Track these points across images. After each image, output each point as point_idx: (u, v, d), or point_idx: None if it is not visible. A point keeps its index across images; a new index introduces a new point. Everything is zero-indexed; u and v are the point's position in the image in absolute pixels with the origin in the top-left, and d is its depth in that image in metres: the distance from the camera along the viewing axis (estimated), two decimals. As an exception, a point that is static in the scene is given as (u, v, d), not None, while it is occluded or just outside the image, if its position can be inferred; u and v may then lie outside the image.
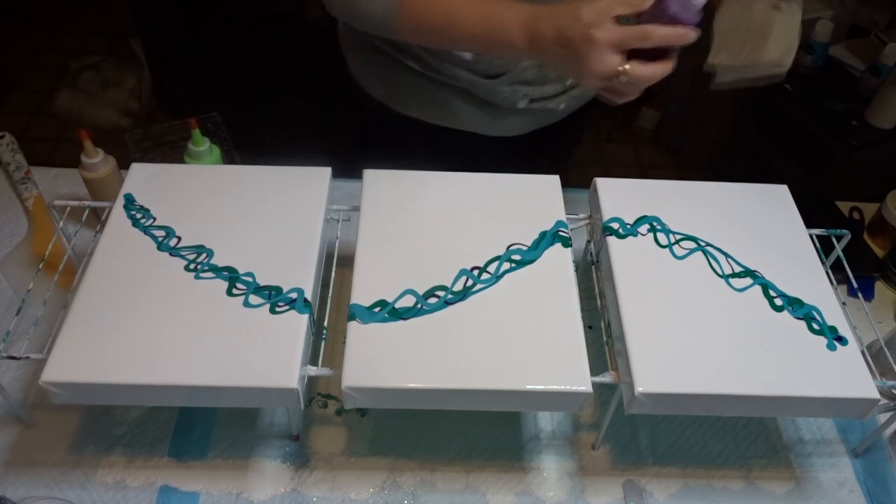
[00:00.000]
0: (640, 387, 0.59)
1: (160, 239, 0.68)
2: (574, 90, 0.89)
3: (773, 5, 0.78)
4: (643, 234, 0.71)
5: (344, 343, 0.61)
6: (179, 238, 0.68)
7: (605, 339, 0.68)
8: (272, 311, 0.62)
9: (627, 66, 0.62)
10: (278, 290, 0.64)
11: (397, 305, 0.63)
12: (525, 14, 0.66)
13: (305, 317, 0.62)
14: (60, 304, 0.67)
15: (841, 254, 0.75)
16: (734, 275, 0.68)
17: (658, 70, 0.63)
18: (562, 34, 0.63)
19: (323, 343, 0.65)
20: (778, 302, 0.66)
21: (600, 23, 0.61)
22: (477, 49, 0.72)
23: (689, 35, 0.62)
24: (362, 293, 0.64)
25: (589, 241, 0.79)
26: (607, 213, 0.73)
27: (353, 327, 0.62)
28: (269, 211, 0.71)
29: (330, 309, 0.69)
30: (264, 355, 0.59)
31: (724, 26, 0.67)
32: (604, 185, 0.76)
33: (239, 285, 0.64)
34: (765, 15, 0.69)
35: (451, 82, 0.86)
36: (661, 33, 0.61)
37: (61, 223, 0.75)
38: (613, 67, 0.62)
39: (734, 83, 0.68)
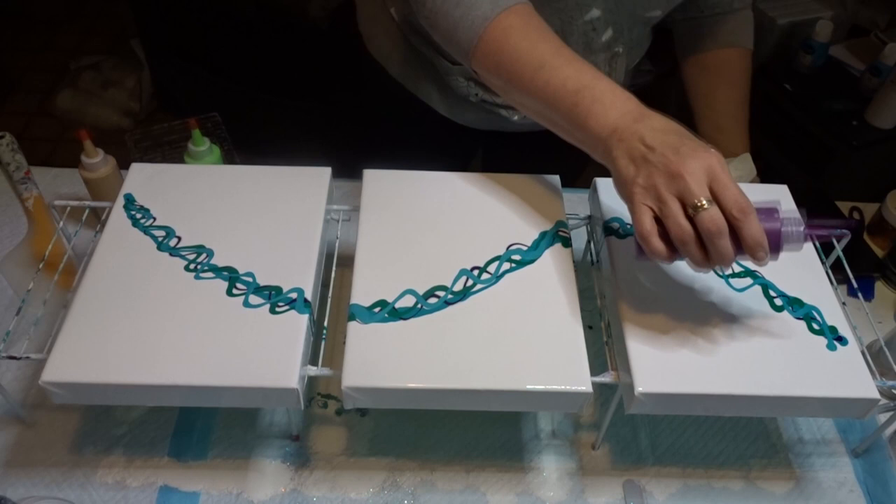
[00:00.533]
0: (640, 387, 0.59)
1: (160, 239, 0.68)
2: None
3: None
4: (643, 234, 0.71)
5: (344, 343, 0.61)
6: (179, 238, 0.68)
7: (605, 339, 0.68)
8: (272, 311, 0.62)
9: (707, 204, 0.53)
10: (278, 290, 0.64)
11: (397, 305, 0.63)
12: (632, 100, 0.60)
13: (305, 317, 0.62)
14: (60, 304, 0.67)
15: (841, 254, 0.75)
16: (734, 275, 0.68)
17: (728, 247, 0.54)
18: (678, 129, 0.57)
19: (323, 343, 0.65)
20: (778, 302, 0.66)
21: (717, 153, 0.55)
22: (542, 109, 0.64)
23: (765, 255, 0.54)
24: (362, 293, 0.64)
25: (589, 241, 0.79)
26: (607, 213, 0.72)
27: (353, 327, 0.62)
28: (269, 211, 0.71)
29: (330, 309, 0.69)
30: (264, 355, 0.59)
31: None
32: (604, 185, 0.76)
33: (239, 285, 0.64)
34: None
35: (421, 48, 0.86)
36: (754, 223, 0.53)
37: (61, 223, 0.75)
38: (700, 187, 0.53)
39: None
